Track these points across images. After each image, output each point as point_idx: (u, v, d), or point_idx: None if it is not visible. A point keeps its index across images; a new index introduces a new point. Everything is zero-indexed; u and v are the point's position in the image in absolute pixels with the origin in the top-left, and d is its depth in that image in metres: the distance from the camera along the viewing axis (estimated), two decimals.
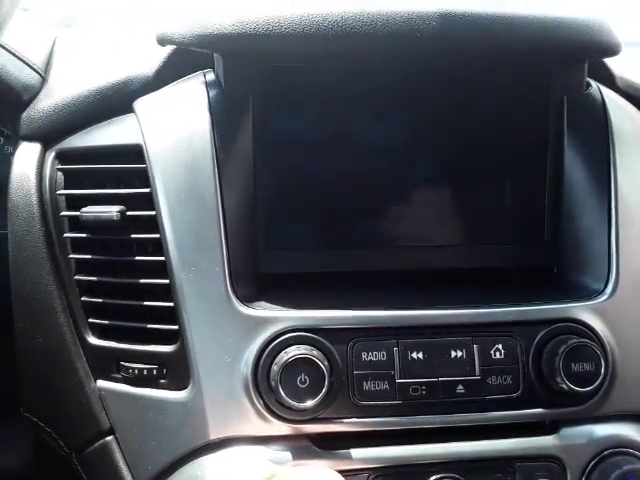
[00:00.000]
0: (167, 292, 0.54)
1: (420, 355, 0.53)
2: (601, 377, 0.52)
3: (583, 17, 0.58)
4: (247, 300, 0.53)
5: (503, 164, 0.62)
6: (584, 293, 0.58)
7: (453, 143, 0.61)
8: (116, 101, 0.62)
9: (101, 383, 0.56)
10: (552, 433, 0.54)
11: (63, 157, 0.61)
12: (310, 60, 0.58)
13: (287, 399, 0.48)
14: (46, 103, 0.63)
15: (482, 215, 0.63)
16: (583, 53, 0.61)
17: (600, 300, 0.57)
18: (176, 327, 0.53)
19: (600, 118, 0.62)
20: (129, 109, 0.61)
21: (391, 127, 0.61)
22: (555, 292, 0.59)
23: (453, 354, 0.53)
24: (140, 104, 0.60)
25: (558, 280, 0.62)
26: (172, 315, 0.53)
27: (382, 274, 0.62)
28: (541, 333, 0.55)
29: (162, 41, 0.59)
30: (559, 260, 0.63)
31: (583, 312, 0.56)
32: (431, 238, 0.62)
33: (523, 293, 0.59)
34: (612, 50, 0.59)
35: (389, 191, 0.61)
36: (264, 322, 0.52)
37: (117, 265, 0.57)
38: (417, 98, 0.61)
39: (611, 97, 0.63)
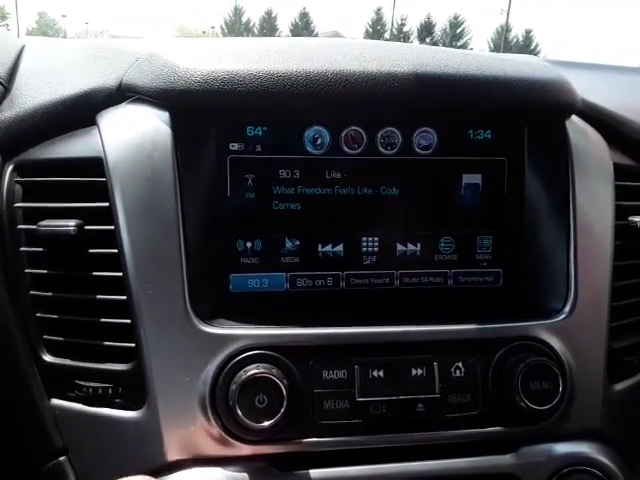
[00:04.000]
0: (124, 309, 0.53)
1: (380, 373, 0.53)
2: (559, 395, 0.53)
3: (547, 75, 0.61)
4: (207, 318, 0.53)
5: (462, 183, 0.63)
6: (543, 312, 0.59)
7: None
8: (79, 113, 0.61)
9: (55, 402, 0.55)
10: (511, 451, 0.54)
11: (22, 169, 0.59)
12: (273, 117, 0.59)
13: (244, 419, 0.47)
14: (7, 114, 0.61)
15: (442, 234, 0.63)
16: (554, 114, 0.63)
17: (559, 319, 0.58)
18: (133, 345, 0.52)
19: (560, 139, 0.63)
20: (92, 122, 0.60)
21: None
22: (515, 311, 0.60)
23: (413, 372, 0.53)
24: (103, 117, 0.59)
25: (518, 299, 0.63)
26: (129, 332, 0.52)
27: (348, 292, 0.62)
28: (500, 351, 0.55)
29: (125, 90, 0.60)
30: (519, 279, 0.64)
31: (542, 331, 0.56)
32: (393, 258, 0.63)
33: (483, 312, 0.60)
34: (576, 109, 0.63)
35: (356, 211, 0.62)
36: (223, 340, 0.51)
37: (74, 280, 0.56)
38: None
39: (574, 121, 0.65)
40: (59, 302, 0.55)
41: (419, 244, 0.63)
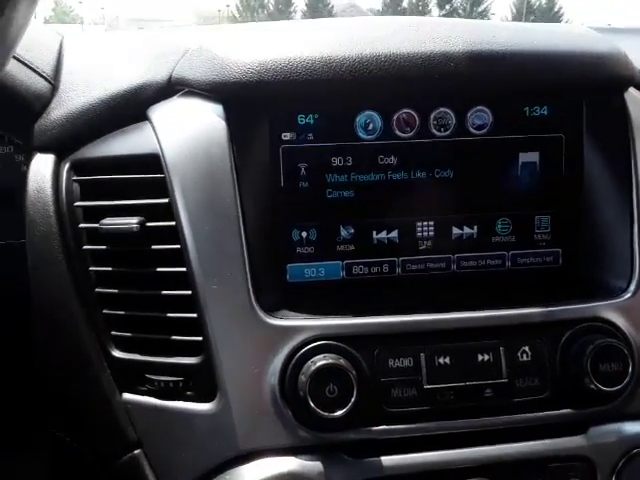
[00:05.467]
0: (190, 303, 0.53)
1: (447, 360, 0.52)
2: (629, 376, 0.52)
3: (604, 48, 0.59)
4: (271, 310, 0.53)
5: (518, 162, 0.62)
6: (607, 291, 0.58)
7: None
8: (130, 109, 0.61)
9: (127, 396, 0.56)
10: (580, 433, 0.54)
11: (78, 168, 0.60)
12: (328, 105, 0.58)
13: (317, 410, 0.48)
14: (58, 113, 0.62)
15: (499, 215, 0.62)
16: (612, 87, 0.61)
17: (624, 298, 0.56)
18: (200, 338, 0.53)
19: (618, 112, 0.61)
20: (143, 117, 0.60)
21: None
22: (578, 291, 0.59)
23: (480, 358, 0.53)
24: (155, 112, 0.59)
25: (579, 279, 0.62)
26: (196, 326, 0.53)
27: (404, 278, 0.61)
28: (567, 333, 0.54)
29: (175, 84, 0.60)
30: (579, 258, 0.62)
31: (608, 311, 0.55)
32: (449, 242, 0.62)
33: (546, 293, 0.59)
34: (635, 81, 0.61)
35: (410, 196, 0.61)
36: (289, 332, 0.52)
37: (138, 277, 0.56)
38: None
39: (630, 92, 0.63)
40: (125, 299, 0.56)
41: (475, 227, 0.62)
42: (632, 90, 0.63)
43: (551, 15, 33.26)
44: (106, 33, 0.83)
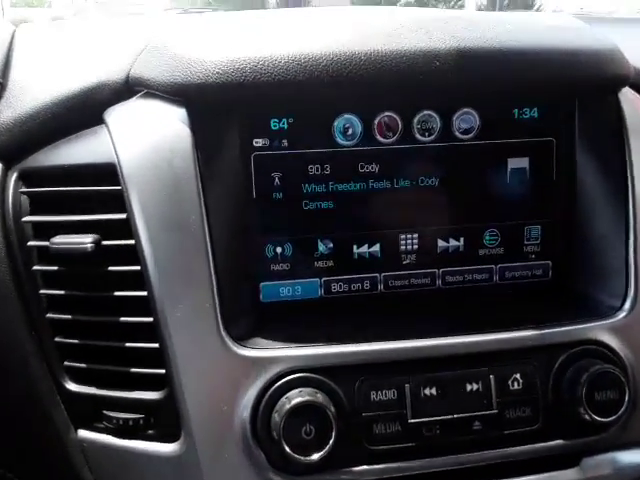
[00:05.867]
0: (151, 332, 0.48)
1: (433, 391, 0.48)
2: (625, 404, 0.49)
3: (597, 44, 0.55)
4: (242, 337, 0.48)
5: (507, 168, 0.58)
6: (601, 309, 0.54)
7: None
8: (85, 111, 0.54)
9: (82, 433, 0.51)
10: (574, 465, 0.51)
11: (27, 178, 0.53)
12: (303, 109, 0.53)
13: (292, 454, 0.43)
14: (6, 115, 0.55)
15: (486, 226, 0.58)
16: (606, 87, 0.56)
17: (619, 317, 0.53)
18: (163, 371, 0.48)
19: (613, 114, 0.57)
20: (100, 120, 0.54)
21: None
22: (570, 309, 0.55)
23: (468, 388, 0.49)
24: (112, 115, 0.53)
25: (571, 294, 0.58)
26: (158, 357, 0.48)
27: (387, 295, 0.57)
28: (561, 358, 0.51)
29: (133, 84, 0.54)
30: (571, 272, 0.59)
31: (603, 332, 0.52)
32: (434, 256, 0.58)
33: (536, 311, 0.55)
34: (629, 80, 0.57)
35: (393, 206, 0.56)
36: (262, 363, 0.47)
37: (94, 301, 0.51)
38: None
39: (624, 92, 0.58)
40: (79, 325, 0.51)
41: (462, 239, 0.58)
42: (627, 90, 0.59)
43: (526, 2, 33.21)
44: (63, 23, 0.75)
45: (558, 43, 0.54)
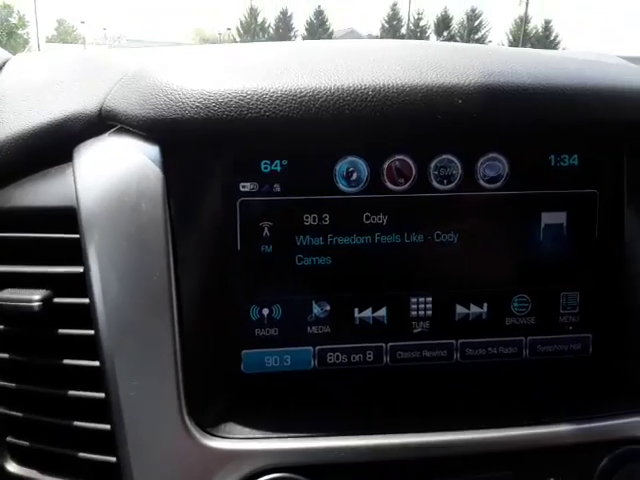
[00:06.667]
0: (103, 410, 0.40)
1: None
2: None
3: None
4: (212, 423, 0.40)
5: (541, 224, 0.49)
6: None
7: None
8: (54, 147, 0.48)
9: None
10: None
11: None
12: (299, 149, 0.46)
13: None
14: None
15: (515, 291, 0.49)
16: None
17: None
18: (113, 459, 0.39)
19: None
20: (70, 157, 0.47)
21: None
22: (614, 397, 0.45)
23: None
24: (81, 152, 0.46)
25: (615, 375, 0.48)
26: (109, 442, 0.39)
27: (394, 369, 0.48)
28: (605, 460, 0.41)
29: (106, 118, 0.47)
30: (614, 348, 0.49)
31: None
32: (451, 324, 0.49)
33: (572, 400, 0.45)
34: None
35: (403, 264, 0.48)
36: (232, 459, 0.38)
37: (40, 368, 0.43)
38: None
39: None
40: (22, 396, 0.43)
41: (485, 305, 0.49)
42: None
43: (547, 42, 33.67)
44: (57, 53, 0.70)
45: (602, 80, 0.47)
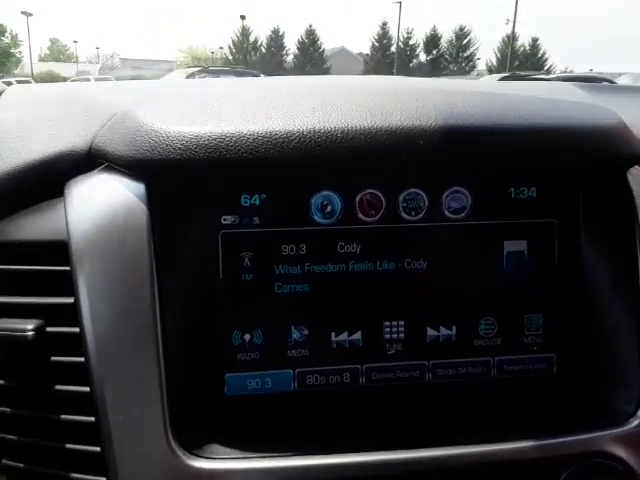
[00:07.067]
0: (93, 434, 0.42)
1: None
2: None
3: (603, 121, 0.51)
4: (197, 444, 0.42)
5: (503, 252, 0.52)
6: (611, 414, 0.47)
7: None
8: (47, 181, 0.51)
9: None
10: None
11: None
12: (277, 185, 0.49)
13: None
14: None
15: (481, 314, 0.52)
16: (613, 166, 0.52)
17: (633, 425, 0.46)
18: (104, 479, 0.42)
19: (621, 195, 0.52)
20: (61, 193, 0.50)
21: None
22: (576, 414, 0.48)
23: None
24: (71, 188, 0.49)
25: (577, 393, 0.51)
26: (100, 464, 0.42)
27: (370, 390, 0.51)
28: (564, 474, 0.44)
29: (95, 156, 0.50)
30: (577, 367, 0.52)
31: (613, 444, 0.45)
32: (423, 346, 0.52)
33: (536, 417, 0.49)
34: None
35: (376, 290, 0.51)
36: (218, 478, 0.41)
37: (33, 394, 0.45)
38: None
39: (633, 171, 0.54)
40: (14, 420, 0.45)
41: (454, 327, 0.52)
42: (636, 169, 0.54)
43: (535, 60, 34.17)
44: (48, 86, 0.73)
45: (558, 118, 0.50)
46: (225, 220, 0.49)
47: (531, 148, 0.48)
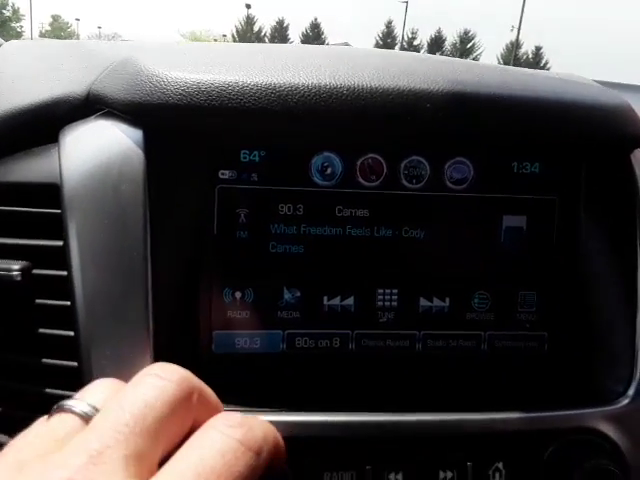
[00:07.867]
0: (76, 379, 0.41)
1: (399, 477, 0.41)
2: None
3: (611, 101, 0.50)
4: None
5: (502, 226, 0.52)
6: (600, 393, 0.47)
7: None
8: (40, 127, 0.50)
9: None
10: None
11: None
12: (278, 142, 0.48)
13: None
14: None
15: (476, 288, 0.52)
16: (618, 146, 0.51)
17: (621, 405, 0.46)
18: None
19: (624, 176, 0.52)
20: (55, 138, 0.49)
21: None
22: (564, 389, 0.48)
23: (441, 475, 0.41)
24: (66, 133, 0.48)
25: (567, 372, 0.51)
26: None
27: (358, 356, 0.50)
28: (550, 448, 0.43)
29: (93, 101, 0.49)
30: (568, 346, 0.52)
31: (601, 421, 0.45)
32: (415, 315, 0.51)
33: (525, 391, 0.48)
34: None
35: (372, 256, 0.50)
36: None
37: (18, 337, 0.44)
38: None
39: (635, 153, 0.53)
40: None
41: (447, 299, 0.52)
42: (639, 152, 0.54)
43: (538, 69, 34.26)
44: (47, 41, 0.72)
45: (566, 96, 0.50)
46: (223, 175, 0.48)
47: (536, 122, 0.48)
